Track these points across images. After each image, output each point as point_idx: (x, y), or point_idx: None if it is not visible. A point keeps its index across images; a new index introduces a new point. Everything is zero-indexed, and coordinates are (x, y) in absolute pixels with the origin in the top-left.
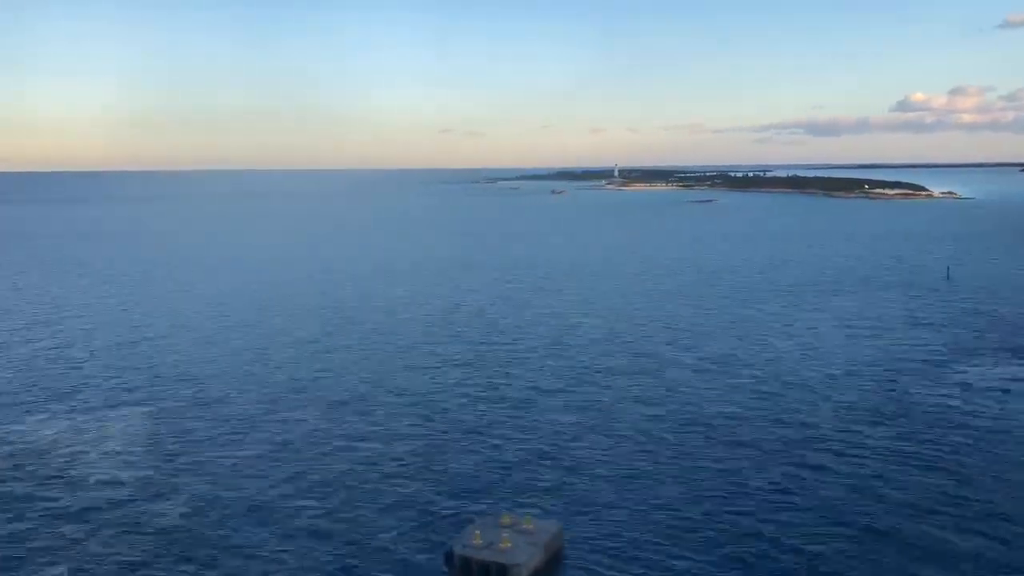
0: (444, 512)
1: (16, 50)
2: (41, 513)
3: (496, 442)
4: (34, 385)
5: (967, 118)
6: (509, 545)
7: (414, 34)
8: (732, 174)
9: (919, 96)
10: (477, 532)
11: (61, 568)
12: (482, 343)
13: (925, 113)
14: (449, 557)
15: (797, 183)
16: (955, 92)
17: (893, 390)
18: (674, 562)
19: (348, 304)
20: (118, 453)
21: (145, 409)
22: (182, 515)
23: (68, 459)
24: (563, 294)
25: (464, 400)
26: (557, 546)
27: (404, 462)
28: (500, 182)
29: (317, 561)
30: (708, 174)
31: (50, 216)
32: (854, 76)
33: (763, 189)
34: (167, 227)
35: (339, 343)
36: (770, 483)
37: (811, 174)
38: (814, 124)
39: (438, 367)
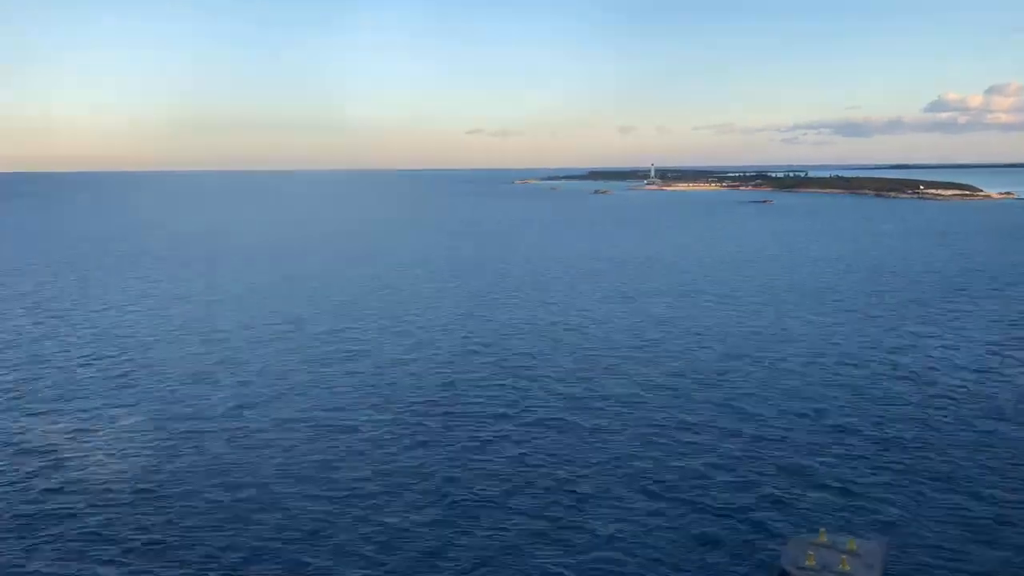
0: (747, 529)
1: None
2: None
3: (799, 455)
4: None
5: (1004, 118)
6: (848, 569)
7: (437, 36)
8: (771, 174)
9: (953, 95)
10: (810, 553)
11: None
12: (767, 353)
13: (958, 113)
14: None
15: (845, 184)
16: (991, 91)
17: None
18: None
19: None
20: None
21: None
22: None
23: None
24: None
25: (752, 412)
26: (884, 567)
27: (700, 477)
28: (533, 181)
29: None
30: (748, 174)
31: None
32: (887, 76)
33: (811, 190)
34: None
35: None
36: None
37: (848, 174)
38: (843, 124)
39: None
